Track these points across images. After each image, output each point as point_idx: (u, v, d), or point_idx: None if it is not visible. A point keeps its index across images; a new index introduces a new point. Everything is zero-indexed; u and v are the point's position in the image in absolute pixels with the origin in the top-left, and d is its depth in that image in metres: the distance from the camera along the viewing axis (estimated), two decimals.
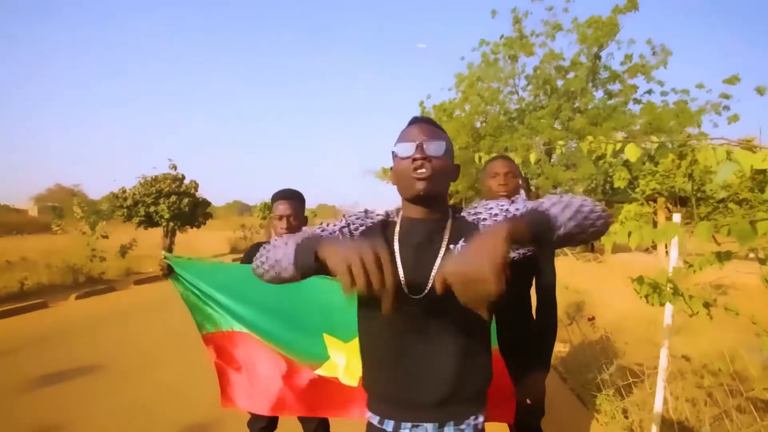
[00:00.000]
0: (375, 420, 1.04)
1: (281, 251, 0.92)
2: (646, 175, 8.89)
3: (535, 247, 0.89)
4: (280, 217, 1.83)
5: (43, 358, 4.32)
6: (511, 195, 1.72)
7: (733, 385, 2.50)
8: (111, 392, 3.44)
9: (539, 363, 1.69)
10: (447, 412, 0.99)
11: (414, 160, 0.97)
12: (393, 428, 1.01)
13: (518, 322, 1.71)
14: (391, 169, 1.05)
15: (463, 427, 1.00)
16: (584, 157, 13.02)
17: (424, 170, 0.96)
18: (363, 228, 1.06)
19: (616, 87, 15.07)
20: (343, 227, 1.06)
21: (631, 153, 1.41)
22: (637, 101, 14.91)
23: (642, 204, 7.83)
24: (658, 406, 2.33)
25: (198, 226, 14.85)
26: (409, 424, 1.00)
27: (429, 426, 0.99)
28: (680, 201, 7.89)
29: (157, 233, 14.06)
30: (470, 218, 1.03)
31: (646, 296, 1.56)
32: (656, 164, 10.18)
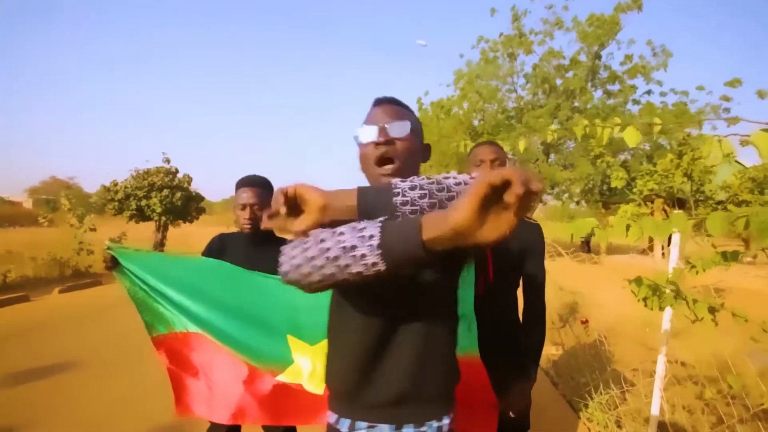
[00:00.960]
0: (333, 419, 0.98)
1: (348, 236, 0.69)
2: (644, 175, 8.76)
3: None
4: (243, 206, 1.66)
5: (19, 352, 4.16)
6: None
7: (735, 395, 2.36)
8: (89, 388, 3.32)
9: (524, 372, 1.54)
10: (405, 413, 0.92)
11: (377, 145, 0.92)
12: (348, 428, 0.94)
13: (502, 326, 1.56)
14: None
15: (424, 428, 0.92)
16: (582, 156, 12.89)
17: (389, 160, 0.91)
18: None
19: (615, 87, 14.93)
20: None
21: (631, 137, 1.26)
22: (636, 102, 14.79)
23: (639, 204, 7.73)
24: (654, 413, 2.18)
25: (191, 221, 14.67)
26: (365, 424, 0.93)
27: (385, 427, 0.92)
28: (678, 202, 7.77)
29: (148, 227, 13.87)
30: None
31: (645, 299, 1.40)
32: (654, 165, 10.08)
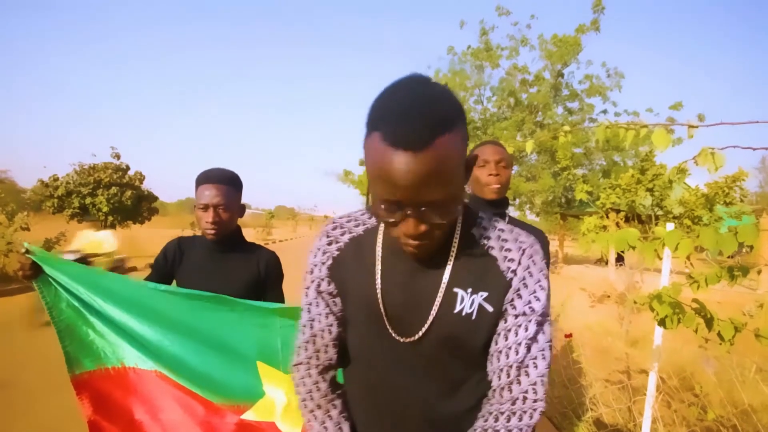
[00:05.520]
0: None
1: None
2: (606, 189, 9.15)
3: None
4: (206, 207, 1.36)
5: None
6: (503, 188, 1.42)
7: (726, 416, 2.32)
8: (10, 413, 2.81)
9: None
10: None
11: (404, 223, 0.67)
12: None
13: None
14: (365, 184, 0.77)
15: None
16: (544, 169, 13.34)
17: (418, 242, 0.68)
18: (337, 252, 0.82)
19: (575, 105, 15.65)
20: (316, 265, 0.83)
21: (660, 141, 1.13)
22: (592, 120, 15.54)
23: (601, 217, 8.00)
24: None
25: (141, 222, 13.71)
26: None
27: None
28: (637, 217, 8.15)
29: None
30: (490, 246, 0.77)
31: (663, 319, 1.28)
32: (616, 179, 10.58)
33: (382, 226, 0.80)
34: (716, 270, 1.53)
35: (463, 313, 0.73)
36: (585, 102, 15.11)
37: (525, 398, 0.73)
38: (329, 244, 0.82)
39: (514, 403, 0.73)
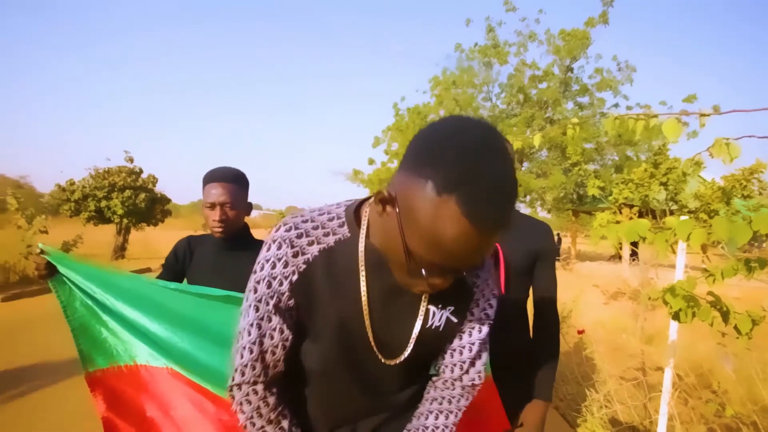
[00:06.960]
0: None
1: None
2: (619, 184, 9.02)
3: None
4: (212, 205, 1.38)
5: None
6: None
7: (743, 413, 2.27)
8: (36, 410, 2.90)
9: (538, 391, 1.37)
10: None
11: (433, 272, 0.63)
12: None
13: (514, 341, 1.39)
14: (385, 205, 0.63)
15: None
16: (555, 165, 13.21)
17: (434, 289, 0.67)
18: (304, 266, 0.72)
19: (585, 100, 15.42)
20: (275, 278, 0.72)
21: (671, 131, 1.11)
22: (603, 115, 15.30)
23: (614, 212, 7.89)
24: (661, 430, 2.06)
25: (155, 224, 13.97)
26: None
27: None
28: (651, 212, 8.01)
29: (108, 230, 13.06)
30: None
31: (677, 312, 1.26)
32: (628, 174, 10.42)
33: (362, 240, 0.71)
34: (733, 263, 1.50)
35: (433, 327, 0.77)
36: (595, 96, 14.89)
37: (473, 384, 0.86)
38: (294, 255, 0.71)
39: (463, 389, 0.86)
